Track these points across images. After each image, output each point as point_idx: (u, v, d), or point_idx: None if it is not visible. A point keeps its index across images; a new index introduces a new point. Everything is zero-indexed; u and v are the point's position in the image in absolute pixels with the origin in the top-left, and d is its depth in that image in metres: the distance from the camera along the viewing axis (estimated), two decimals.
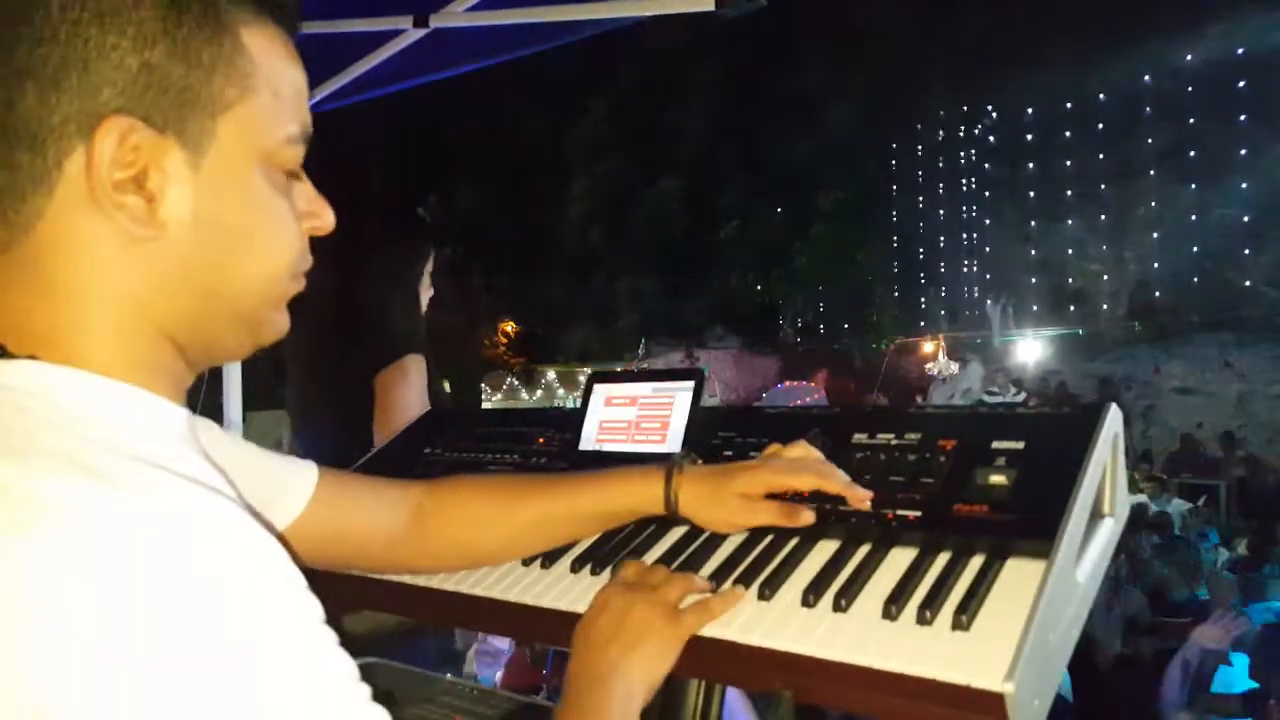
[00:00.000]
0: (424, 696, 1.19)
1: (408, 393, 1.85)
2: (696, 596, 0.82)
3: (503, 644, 3.35)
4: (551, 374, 18.57)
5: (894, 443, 0.91)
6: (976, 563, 0.77)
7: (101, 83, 0.54)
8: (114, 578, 0.45)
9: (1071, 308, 15.77)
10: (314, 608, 0.52)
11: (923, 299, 17.06)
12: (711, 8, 1.85)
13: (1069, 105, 15.41)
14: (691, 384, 1.10)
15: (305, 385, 2.03)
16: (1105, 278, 15.80)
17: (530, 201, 20.32)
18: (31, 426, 0.51)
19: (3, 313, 0.56)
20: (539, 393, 17.98)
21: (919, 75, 16.26)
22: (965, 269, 16.95)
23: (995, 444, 0.87)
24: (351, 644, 1.20)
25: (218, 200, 0.59)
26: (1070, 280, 15.95)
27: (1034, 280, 16.26)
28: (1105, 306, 15.72)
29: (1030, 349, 14.92)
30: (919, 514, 0.82)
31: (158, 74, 0.55)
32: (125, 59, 0.54)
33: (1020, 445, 0.85)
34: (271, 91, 0.61)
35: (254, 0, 0.60)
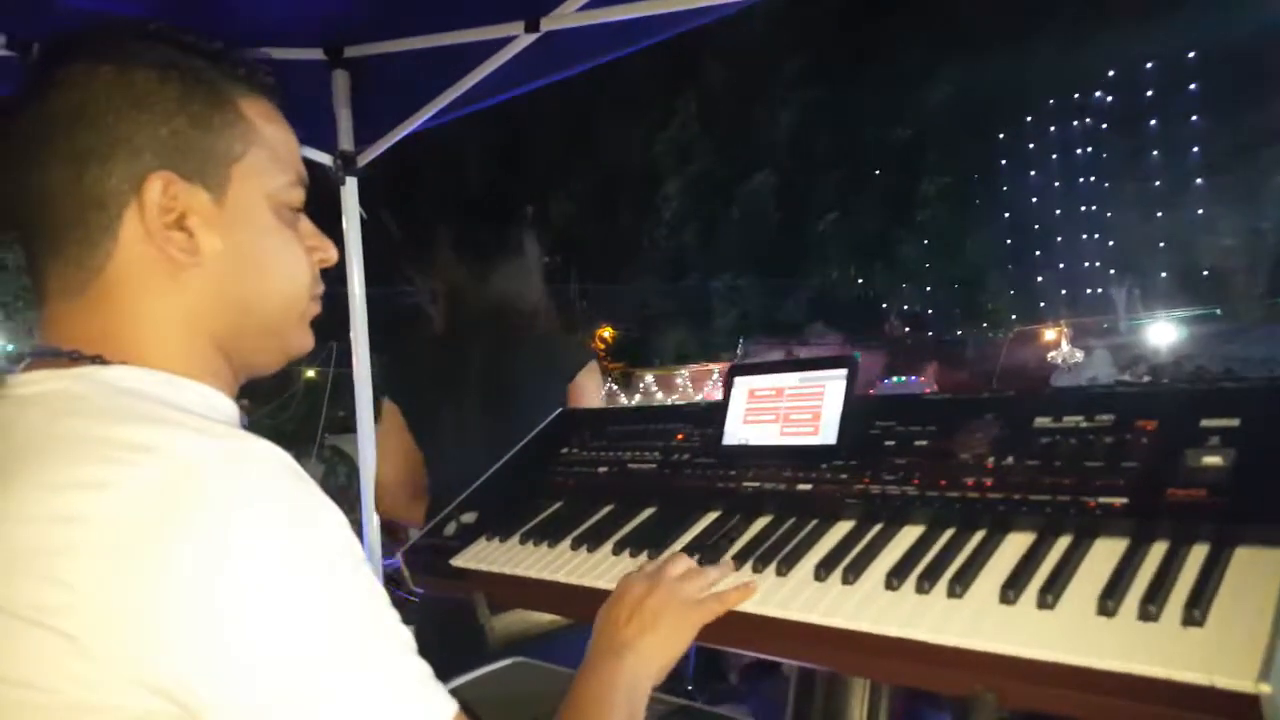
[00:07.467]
0: None
1: (598, 395, 1.98)
2: (731, 581, 0.89)
3: None
4: (649, 377, 18.61)
5: (1084, 425, 0.84)
6: (1200, 552, 0.69)
7: (143, 149, 0.70)
8: (208, 497, 0.58)
9: (1204, 286, 14.69)
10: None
11: (1039, 278, 16.19)
12: None
13: (1191, 56, 14.24)
14: (844, 372, 1.05)
15: (468, 408, 1.98)
16: (1240, 252, 14.67)
17: (622, 205, 20.45)
18: (127, 404, 0.66)
19: (93, 335, 0.71)
20: (637, 397, 18.05)
21: (1024, 39, 15.41)
22: (1086, 247, 15.98)
23: (1204, 422, 0.79)
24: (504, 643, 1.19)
25: (239, 231, 0.74)
26: (1201, 256, 14.87)
27: (1161, 257, 15.22)
28: (1241, 283, 14.60)
29: (1161, 332, 13.96)
30: (1125, 501, 0.75)
31: (182, 138, 0.71)
32: (158, 129, 0.70)
33: (1235, 422, 0.77)
34: (267, 146, 0.76)
35: (246, 80, 0.76)
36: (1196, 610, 0.64)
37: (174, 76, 0.71)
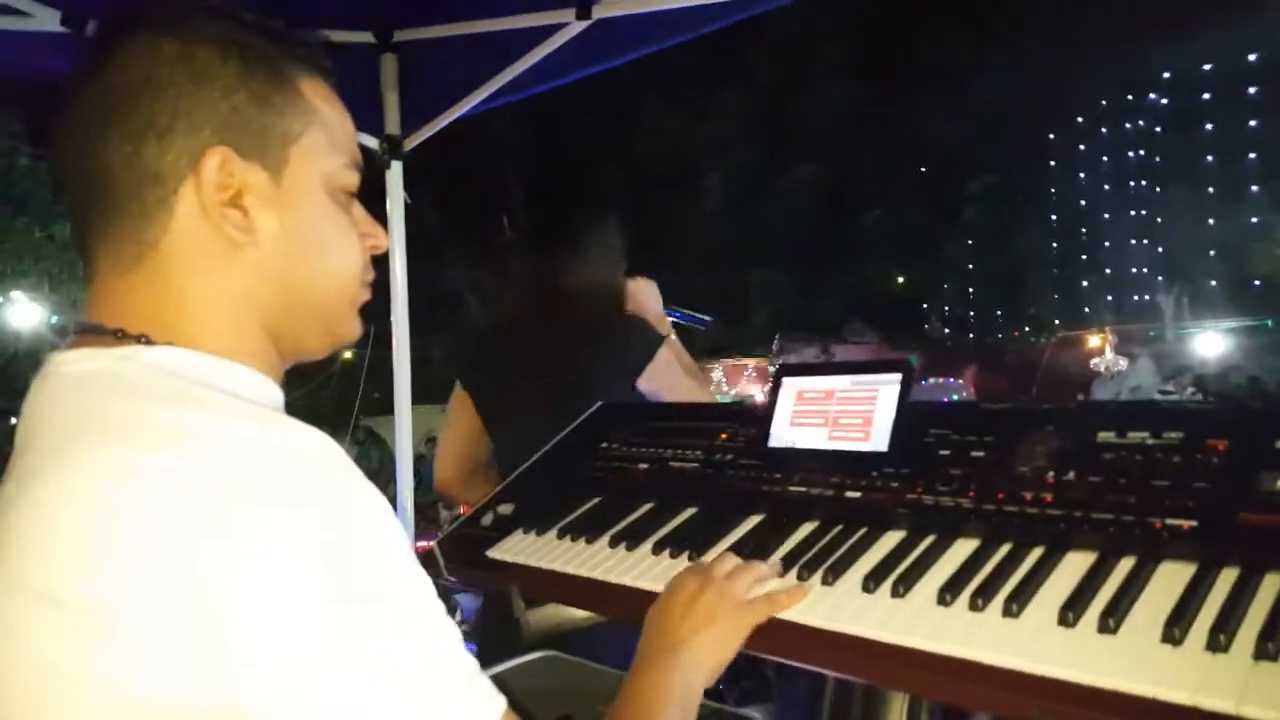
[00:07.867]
0: (604, 692, 1.17)
1: (683, 381, 1.89)
2: (774, 585, 0.89)
3: None
4: None
5: (1150, 442, 0.81)
6: (1274, 581, 0.66)
7: (202, 124, 0.69)
8: (250, 489, 0.57)
9: (1256, 295, 14.23)
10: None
11: (1085, 282, 15.83)
12: None
13: (1252, 59, 13.78)
14: (898, 376, 1.02)
15: (527, 392, 1.94)
16: None
17: (660, 197, 20.36)
18: (172, 386, 0.66)
19: (140, 313, 0.70)
20: None
21: (1077, 37, 15.03)
22: (1134, 252, 15.59)
23: None
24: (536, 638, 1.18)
25: (295, 212, 0.73)
26: (1255, 264, 14.41)
27: (1212, 264, 14.78)
28: None
29: (1209, 342, 13.55)
30: (1194, 524, 0.72)
31: (241, 115, 0.70)
32: (218, 105, 0.70)
33: None
34: (325, 127, 0.75)
35: (305, 61, 0.75)
36: (1271, 643, 0.61)
37: (235, 53, 0.70)
